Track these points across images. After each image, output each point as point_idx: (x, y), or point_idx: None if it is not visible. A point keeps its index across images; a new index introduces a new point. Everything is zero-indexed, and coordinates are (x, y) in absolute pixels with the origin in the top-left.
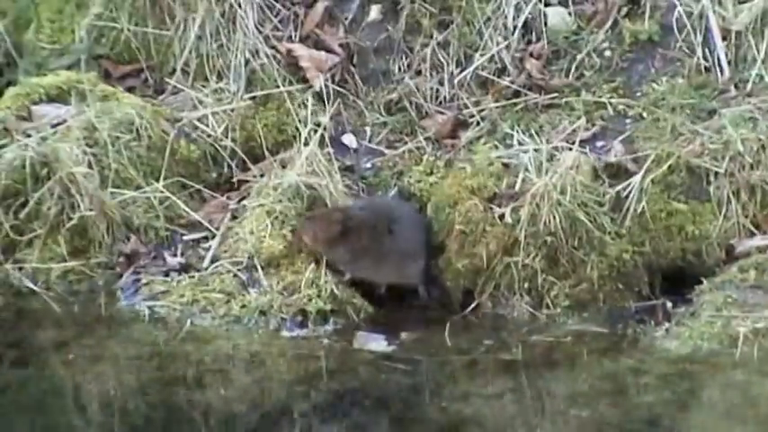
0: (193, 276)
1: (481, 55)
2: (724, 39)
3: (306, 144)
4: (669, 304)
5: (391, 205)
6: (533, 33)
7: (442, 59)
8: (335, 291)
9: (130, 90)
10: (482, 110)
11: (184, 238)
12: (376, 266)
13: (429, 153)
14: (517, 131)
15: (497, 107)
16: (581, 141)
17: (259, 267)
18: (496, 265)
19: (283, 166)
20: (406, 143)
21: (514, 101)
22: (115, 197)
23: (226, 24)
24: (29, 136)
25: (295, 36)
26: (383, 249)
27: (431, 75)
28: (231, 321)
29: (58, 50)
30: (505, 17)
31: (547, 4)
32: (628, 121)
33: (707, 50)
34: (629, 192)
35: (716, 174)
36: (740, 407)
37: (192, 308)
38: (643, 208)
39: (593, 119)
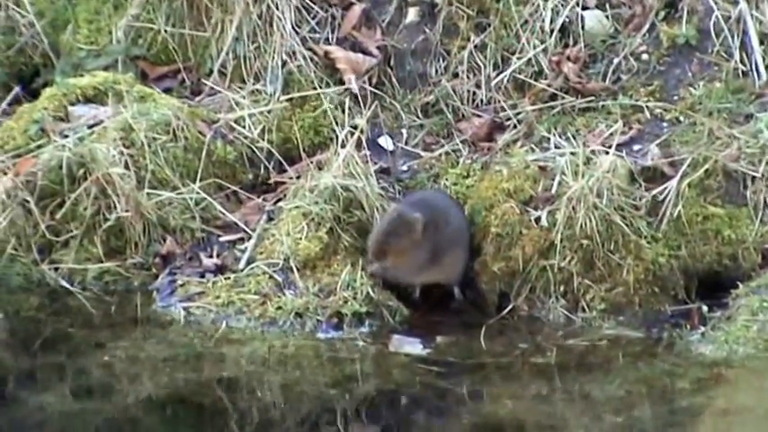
0: (229, 278)
1: (518, 58)
2: (761, 43)
3: (342, 146)
4: (705, 308)
5: (440, 197)
6: (570, 36)
7: (479, 62)
8: (371, 293)
9: (167, 91)
10: (519, 113)
11: (220, 239)
12: (438, 262)
13: (465, 156)
14: (554, 134)
15: (534, 110)
16: (618, 145)
17: (295, 269)
18: (532, 268)
19: (320, 168)
20: (442, 146)
21: (551, 104)
22: (151, 198)
23: (263, 26)
24: (66, 137)
25: (332, 38)
26: (447, 240)
27: (468, 77)
28: (266, 323)
29: (95, 51)
30: (543, 20)
31: (584, 8)
32: (664, 124)
33: (744, 54)
34: (666, 196)
35: (752, 178)
36: None
37: (227, 309)
38: (679, 212)
39: (630, 122)
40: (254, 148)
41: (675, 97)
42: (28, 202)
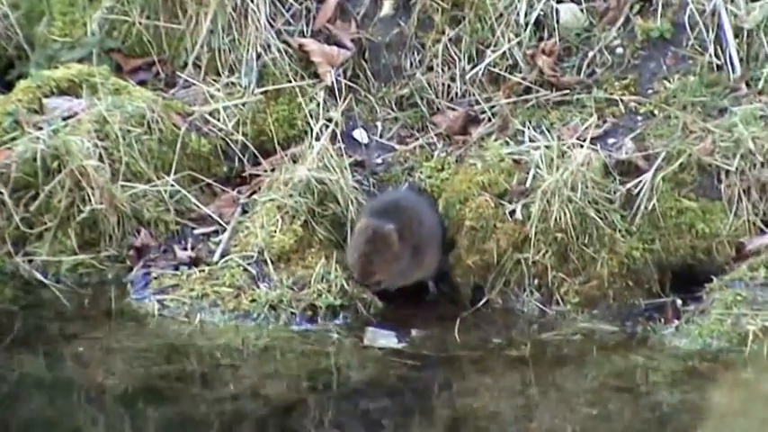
0: (203, 270)
1: (493, 51)
2: (736, 37)
3: (317, 139)
4: (679, 302)
5: (405, 195)
6: (545, 30)
7: (454, 55)
8: (345, 286)
9: (142, 83)
10: (493, 106)
11: (195, 231)
12: (414, 265)
13: (440, 149)
14: (528, 128)
15: (509, 103)
16: (592, 138)
17: (269, 262)
18: (506, 261)
19: (294, 161)
20: (417, 139)
21: (526, 97)
22: (126, 190)
23: (237, 18)
24: (40, 129)
25: (307, 31)
26: (424, 240)
27: (442, 70)
28: (241, 316)
29: (70, 43)
30: (517, 13)
31: (559, 1)
32: (639, 118)
33: (719, 48)
34: (640, 189)
35: (727, 172)
36: (749, 405)
37: (201, 302)
38: (654, 205)
39: (605, 116)
40: (229, 141)
41: (650, 91)
42: (2, 194)
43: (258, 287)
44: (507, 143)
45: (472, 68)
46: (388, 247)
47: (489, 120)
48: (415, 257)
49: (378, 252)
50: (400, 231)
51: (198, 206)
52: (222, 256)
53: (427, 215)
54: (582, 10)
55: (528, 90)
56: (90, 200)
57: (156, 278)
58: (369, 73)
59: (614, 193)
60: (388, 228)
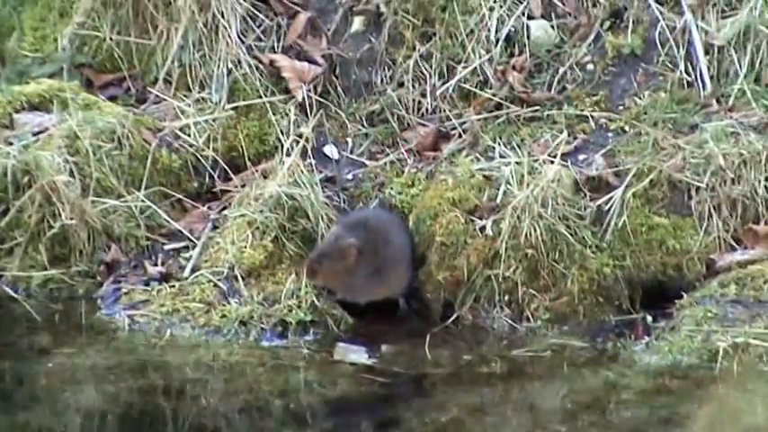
0: (174, 286)
1: (464, 67)
2: (706, 53)
3: (287, 155)
4: (649, 318)
5: (376, 215)
6: (516, 46)
7: (425, 71)
8: (316, 302)
9: (112, 99)
10: (464, 122)
11: (165, 247)
12: (376, 283)
13: (411, 165)
14: (499, 144)
15: (479, 120)
16: (562, 154)
17: (240, 277)
18: (477, 277)
19: (265, 177)
20: (387, 155)
21: (496, 113)
22: (96, 206)
23: (208, 34)
24: (10, 144)
25: (277, 46)
26: (388, 261)
27: (413, 86)
28: (211, 331)
29: (41, 59)
30: (488, 30)
31: (530, 17)
32: (609, 134)
33: (689, 65)
34: (611, 205)
35: (697, 188)
36: (719, 421)
37: (171, 317)
38: (624, 222)
39: (575, 132)
40: (200, 157)
41: (620, 107)
42: None
43: (228, 303)
44: (478, 159)
45: (443, 84)
46: (342, 260)
47: (460, 136)
48: (376, 276)
49: (329, 258)
50: (361, 248)
51: (168, 222)
52: (193, 271)
53: (396, 235)
54: (553, 26)
55: (499, 106)
56: (60, 215)
57: (126, 293)
58: (339, 89)
59: (585, 209)
60: (348, 241)
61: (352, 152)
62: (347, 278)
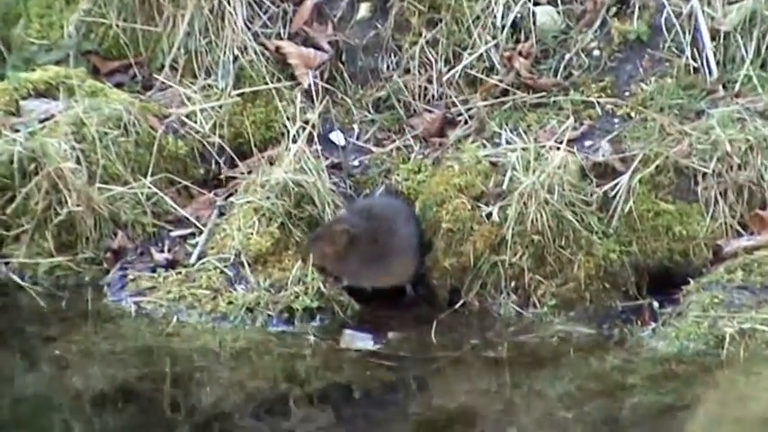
0: (180, 272)
1: (470, 53)
2: (713, 39)
3: (294, 141)
4: (656, 304)
5: (383, 204)
6: (522, 32)
7: (431, 58)
8: (322, 288)
9: (119, 86)
10: (470, 108)
11: (171, 234)
12: (384, 269)
13: (417, 151)
14: (505, 130)
15: (486, 106)
16: (569, 141)
17: (246, 264)
18: (483, 263)
19: (271, 163)
20: (394, 141)
21: (503, 100)
22: (103, 193)
23: (214, 21)
24: (17, 131)
25: (284, 33)
26: (389, 250)
27: (419, 73)
28: (218, 318)
29: (47, 46)
30: (494, 16)
31: (536, 3)
32: (616, 120)
33: (695, 51)
34: (617, 191)
35: (703, 174)
36: (726, 407)
37: (178, 304)
38: (630, 208)
39: (582, 118)
40: (206, 143)
41: (627, 93)
42: None
43: (235, 289)
44: (484, 145)
45: (449, 71)
46: (333, 244)
47: (466, 122)
48: (378, 264)
49: (321, 239)
50: (358, 235)
51: (175, 208)
52: (199, 258)
53: (400, 224)
54: (559, 12)
55: (505, 92)
56: (67, 202)
57: (132, 280)
58: (346, 75)
59: (591, 195)
60: (341, 226)
61: (358, 138)
62: (339, 261)
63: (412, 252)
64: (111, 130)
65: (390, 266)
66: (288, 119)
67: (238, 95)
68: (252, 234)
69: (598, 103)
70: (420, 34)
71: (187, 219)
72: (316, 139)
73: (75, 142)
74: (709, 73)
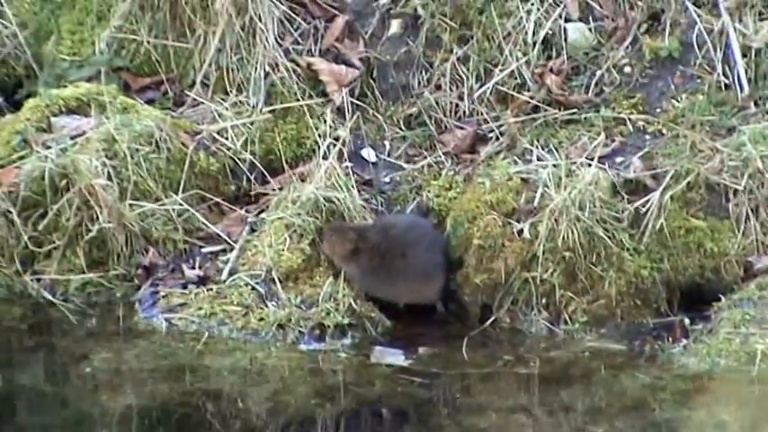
0: (211, 289)
1: (501, 70)
2: (744, 56)
3: (325, 158)
4: (687, 321)
5: (407, 226)
6: (553, 49)
7: (462, 74)
8: (353, 305)
9: (150, 102)
10: (501, 125)
11: (203, 250)
12: (388, 286)
13: (448, 168)
14: (536, 147)
15: (517, 122)
16: (600, 157)
17: (277, 281)
18: (514, 280)
19: (302, 180)
20: (425, 158)
21: (534, 116)
22: (134, 209)
23: (246, 37)
24: (48, 147)
25: (315, 50)
26: (396, 271)
27: (450, 89)
28: (249, 334)
29: (78, 62)
30: (525, 32)
31: (567, 20)
32: (647, 137)
33: (727, 67)
34: (648, 208)
35: (735, 191)
36: (758, 424)
37: (209, 321)
38: (662, 224)
39: (613, 135)
40: (237, 160)
41: (658, 110)
42: (10, 212)
43: (266, 306)
44: (515, 162)
45: (480, 87)
46: (342, 242)
47: (497, 138)
48: (389, 282)
49: (335, 239)
50: (364, 248)
51: (206, 225)
52: (230, 274)
53: (424, 250)
54: (590, 29)
55: (536, 109)
56: (98, 218)
57: (164, 297)
58: (377, 92)
59: (622, 211)
60: (350, 236)
61: (389, 155)
62: (344, 263)
63: (436, 274)
64: (143, 147)
65: (411, 286)
66: (319, 135)
67: (270, 112)
68: (283, 250)
69: (629, 119)
70: (451, 51)
71: (218, 235)
72: (346, 155)
73: (107, 159)
74: (741, 89)
